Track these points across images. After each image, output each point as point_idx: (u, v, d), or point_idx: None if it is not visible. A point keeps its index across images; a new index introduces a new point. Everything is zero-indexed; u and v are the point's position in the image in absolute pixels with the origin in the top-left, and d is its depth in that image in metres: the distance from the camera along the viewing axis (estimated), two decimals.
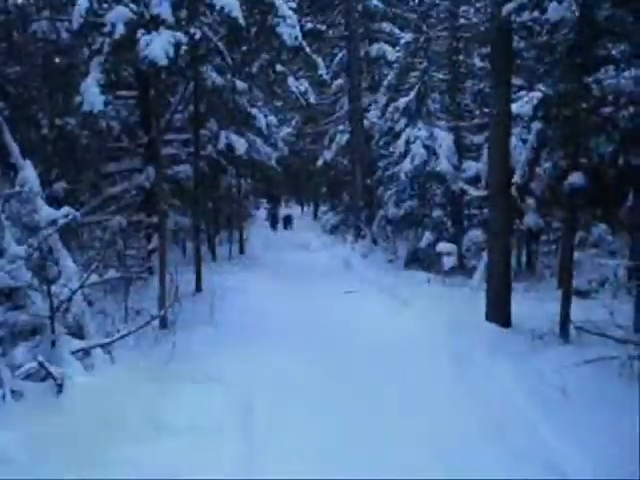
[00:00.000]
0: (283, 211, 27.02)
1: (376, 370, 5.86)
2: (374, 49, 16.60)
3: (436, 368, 5.90)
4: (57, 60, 10.25)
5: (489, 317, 7.24)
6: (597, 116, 7.19)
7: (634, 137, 7.41)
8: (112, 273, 5.91)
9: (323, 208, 27.32)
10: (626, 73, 7.09)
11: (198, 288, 9.36)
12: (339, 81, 18.04)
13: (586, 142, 7.92)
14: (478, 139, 12.60)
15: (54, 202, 6.91)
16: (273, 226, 24.39)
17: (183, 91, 9.95)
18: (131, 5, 6.33)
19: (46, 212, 5.54)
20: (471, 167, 11.88)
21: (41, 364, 4.24)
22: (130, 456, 3.60)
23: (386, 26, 17.00)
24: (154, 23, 6.20)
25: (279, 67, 8.27)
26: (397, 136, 12.99)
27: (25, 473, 3.35)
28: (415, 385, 5.43)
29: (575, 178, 5.80)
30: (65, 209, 5.68)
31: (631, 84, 7.53)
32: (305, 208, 34.15)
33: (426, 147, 11.80)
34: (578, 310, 7.27)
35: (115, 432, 3.97)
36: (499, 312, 7.15)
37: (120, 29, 6.15)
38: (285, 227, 25.17)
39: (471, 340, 6.48)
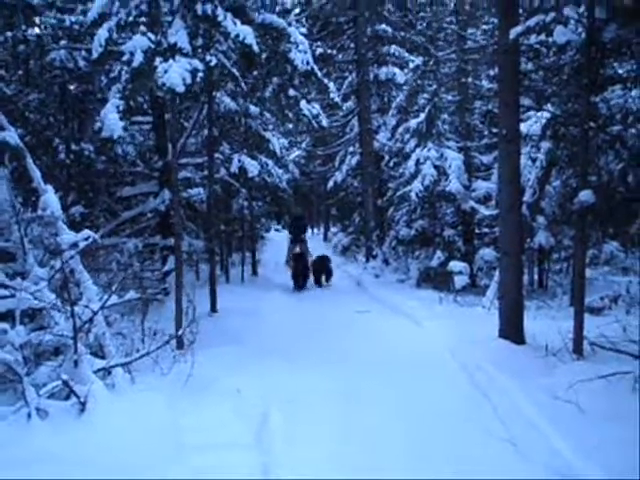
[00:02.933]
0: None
1: (387, 385, 5.90)
2: (383, 72, 16.84)
3: (449, 384, 5.96)
4: (73, 87, 10.57)
5: (502, 334, 7.29)
6: (605, 134, 7.31)
7: None
8: (132, 294, 6.03)
9: (334, 229, 27.48)
10: (633, 92, 7.22)
11: (213, 309, 9.49)
12: (349, 103, 18.28)
13: (595, 160, 8.04)
14: (487, 159, 12.76)
15: (71, 226, 7.08)
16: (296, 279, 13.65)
17: (197, 116, 10.19)
18: (149, 34, 6.54)
19: (67, 235, 5.70)
20: (481, 186, 12.01)
21: (65, 383, 4.35)
22: (155, 470, 3.69)
23: (395, 49, 17.26)
24: (171, 51, 6.40)
25: (291, 91, 8.46)
26: (407, 157, 13.15)
27: None
28: (427, 400, 5.47)
29: (585, 196, 5.88)
30: (85, 232, 5.84)
31: (638, 103, 7.68)
32: (315, 230, 34.34)
33: (436, 167, 11.94)
34: (591, 327, 7.31)
35: (139, 451, 4.06)
36: (512, 329, 7.19)
37: (139, 57, 6.36)
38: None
39: (484, 357, 6.53)
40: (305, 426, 4.82)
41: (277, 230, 30.12)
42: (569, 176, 8.53)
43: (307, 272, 13.60)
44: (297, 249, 13.79)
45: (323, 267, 13.99)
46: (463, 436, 4.71)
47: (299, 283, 13.31)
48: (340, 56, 17.32)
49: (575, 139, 6.99)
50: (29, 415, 4.14)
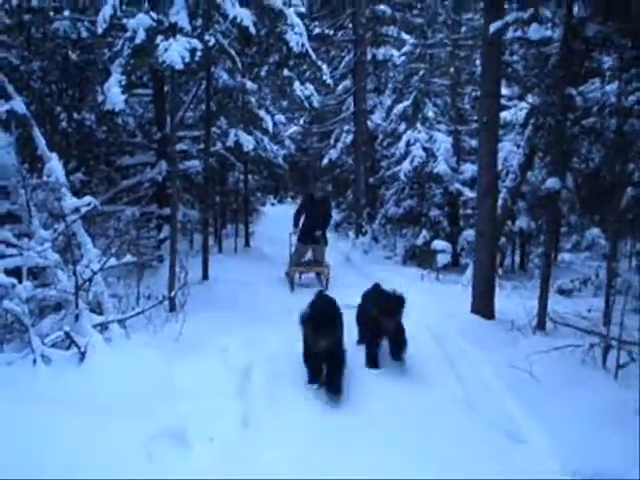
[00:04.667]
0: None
1: (363, 351, 6.39)
2: (380, 52, 17.11)
3: (421, 353, 6.42)
4: (75, 56, 10.86)
5: (474, 310, 7.80)
6: (580, 126, 7.72)
7: (618, 146, 7.95)
8: (128, 258, 6.47)
9: None
10: (607, 87, 7.62)
11: (205, 276, 9.95)
12: (346, 82, 18.55)
13: (570, 150, 8.47)
14: (476, 143, 13.15)
15: (71, 192, 7.49)
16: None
17: (195, 90, 10.54)
18: (151, 13, 6.90)
19: (70, 201, 6.13)
20: (468, 169, 12.43)
21: (67, 334, 4.82)
22: (147, 412, 4.18)
23: (393, 30, 17.51)
24: (172, 30, 6.76)
25: (286, 72, 8.82)
26: (399, 138, 13.55)
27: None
28: (399, 366, 5.95)
29: (552, 183, 6.33)
30: (87, 198, 6.27)
31: (615, 96, 8.08)
32: None
33: (425, 149, 12.36)
34: (559, 306, 7.86)
35: (132, 395, 4.53)
36: (483, 305, 7.70)
37: (141, 35, 6.72)
38: None
39: (455, 329, 7.05)
40: (283, 381, 5.31)
41: (273, 204, 30.46)
42: (546, 164, 8.96)
43: (339, 350, 5.24)
44: (309, 255, 10.43)
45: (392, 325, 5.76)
46: (428, 399, 5.15)
47: (317, 373, 5.24)
48: (339, 34, 17.55)
49: (551, 129, 7.40)
50: (34, 361, 4.61)
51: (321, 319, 5.08)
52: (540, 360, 5.72)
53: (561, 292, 9.37)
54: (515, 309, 7.96)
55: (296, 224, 10.34)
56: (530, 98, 8.50)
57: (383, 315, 5.61)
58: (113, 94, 6.86)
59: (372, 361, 5.72)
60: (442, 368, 5.94)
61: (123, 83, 6.87)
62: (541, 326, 6.99)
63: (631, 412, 4.45)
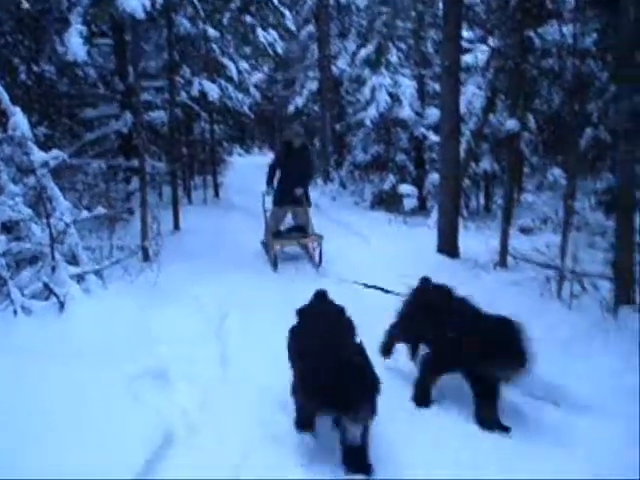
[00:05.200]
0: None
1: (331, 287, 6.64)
2: None
3: (386, 283, 6.71)
4: (28, 6, 10.51)
5: (440, 250, 8.11)
6: (539, 68, 7.93)
7: (576, 88, 8.18)
8: (100, 209, 6.55)
9: None
10: (565, 29, 7.78)
11: (176, 227, 10.05)
12: (309, 28, 18.31)
13: (531, 92, 8.70)
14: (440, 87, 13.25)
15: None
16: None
17: (157, 39, 10.37)
18: None
19: (38, 155, 6.12)
20: (433, 114, 12.56)
21: (46, 285, 4.95)
22: (128, 356, 4.38)
23: None
24: None
25: (248, 18, 8.75)
26: (364, 83, 13.56)
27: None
28: (363, 303, 6.19)
29: (511, 125, 6.54)
30: (55, 152, 6.25)
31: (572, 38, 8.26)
32: None
33: (390, 94, 12.43)
34: (520, 244, 8.24)
35: (112, 340, 4.72)
36: (448, 245, 8.01)
37: None
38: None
39: (420, 268, 7.32)
40: (257, 325, 5.55)
41: (240, 155, 30.25)
42: (508, 106, 9.15)
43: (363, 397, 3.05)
44: (289, 219, 8.66)
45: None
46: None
47: (311, 425, 3.44)
48: None
49: (511, 71, 7.57)
50: (15, 312, 4.75)
51: (327, 358, 3.13)
52: (501, 293, 6.07)
53: (522, 231, 9.75)
54: (479, 248, 8.31)
55: (270, 181, 8.41)
56: (491, 41, 8.62)
57: (488, 354, 3.60)
58: (74, 45, 6.76)
59: (425, 396, 3.97)
60: None
61: (84, 34, 6.77)
62: (502, 262, 7.33)
63: (581, 337, 4.80)
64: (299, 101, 19.60)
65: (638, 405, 3.69)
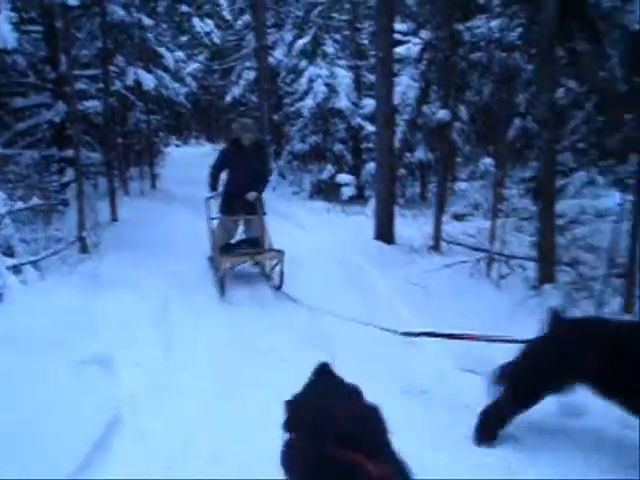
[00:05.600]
0: None
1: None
2: None
3: (326, 275, 6.93)
4: None
5: (377, 236, 8.38)
6: (469, 61, 8.26)
7: (504, 79, 8.58)
8: (35, 200, 6.44)
9: None
10: (493, 23, 8.14)
11: (114, 218, 9.93)
12: (246, 17, 18.24)
13: (462, 83, 9.04)
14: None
15: None
16: None
17: (90, 27, 10.15)
18: None
19: None
20: (369, 104, 12.83)
21: None
22: (71, 342, 4.39)
23: None
24: None
25: (184, 7, 8.71)
26: (301, 74, 13.69)
27: None
28: (304, 289, 6.37)
29: (442, 115, 6.84)
30: None
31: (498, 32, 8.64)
32: (216, 146, 34.20)
33: (327, 85, 12.62)
34: (453, 229, 8.62)
35: (55, 329, 4.70)
36: (385, 231, 8.29)
37: None
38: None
39: (358, 254, 7.60)
40: (200, 311, 5.65)
41: (177, 146, 29.81)
42: (441, 97, 9.50)
43: None
44: (240, 230, 7.27)
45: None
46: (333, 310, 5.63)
47: None
48: None
49: (442, 63, 7.88)
50: None
51: None
52: (434, 276, 6.39)
53: (455, 217, 10.15)
54: (414, 234, 8.63)
55: (214, 185, 7.07)
56: (423, 34, 8.91)
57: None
58: (3, 31, 6.58)
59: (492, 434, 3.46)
60: (346, 288, 6.46)
61: (14, 21, 6.61)
62: (436, 247, 7.66)
63: (505, 315, 5.13)
64: (236, 91, 19.51)
65: None
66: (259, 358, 4.61)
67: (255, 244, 6.89)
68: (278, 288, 6.36)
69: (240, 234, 7.26)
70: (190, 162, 24.65)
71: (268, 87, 16.62)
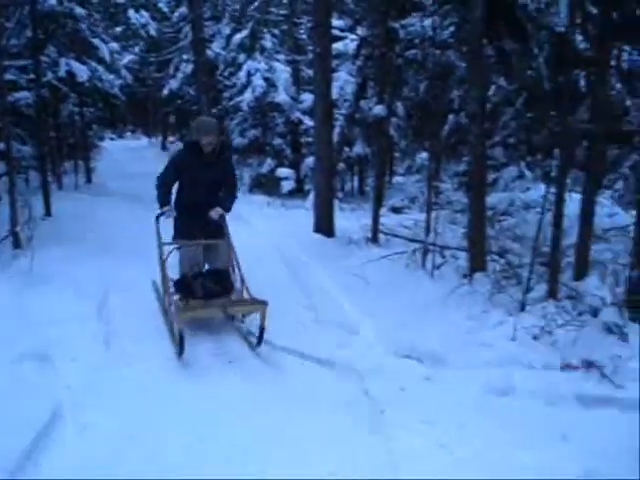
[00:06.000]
0: None
1: None
2: None
3: (270, 268, 6.99)
4: None
5: (316, 229, 8.51)
6: (404, 58, 8.48)
7: (438, 76, 8.86)
8: None
9: (172, 138, 27.22)
10: (426, 21, 8.39)
11: (48, 213, 9.67)
12: (182, 9, 17.99)
13: (399, 80, 9.26)
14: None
15: None
16: None
17: (19, 15, 9.82)
18: None
19: None
20: (307, 99, 12.97)
21: None
22: (7, 338, 4.31)
23: None
24: None
25: None
26: (239, 68, 13.67)
27: None
28: (254, 272, 6.39)
29: (378, 110, 7.02)
30: None
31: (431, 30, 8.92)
32: (153, 139, 33.57)
33: (266, 79, 12.65)
34: (391, 221, 8.86)
35: None
36: (324, 224, 8.44)
37: None
38: None
39: (299, 247, 7.72)
40: (138, 306, 5.60)
41: (112, 139, 29.08)
42: (377, 92, 9.71)
43: None
44: (199, 259, 5.52)
45: None
46: (278, 304, 5.70)
47: None
48: None
49: (378, 59, 8.07)
50: None
51: None
52: (372, 267, 6.58)
53: (393, 210, 10.42)
54: (353, 227, 8.84)
55: (165, 199, 5.37)
56: (360, 30, 9.08)
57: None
58: None
59: None
60: (287, 279, 6.57)
61: None
62: (374, 239, 7.87)
63: (438, 303, 5.37)
64: (174, 84, 19.22)
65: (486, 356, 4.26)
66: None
67: (221, 279, 5.14)
68: (257, 344, 4.74)
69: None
70: (127, 156, 24.26)
71: (206, 80, 16.46)
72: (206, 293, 4.96)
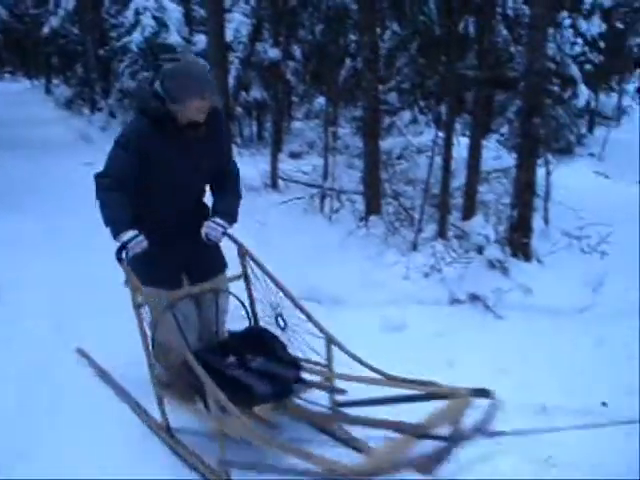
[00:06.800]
0: None
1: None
2: None
3: None
4: None
5: None
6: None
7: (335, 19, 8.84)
8: None
9: (56, 81, 25.45)
10: None
11: None
12: None
13: (295, 22, 9.17)
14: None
15: None
16: None
17: None
18: None
19: None
20: (201, 40, 12.48)
21: None
22: None
23: None
24: None
25: None
26: (126, 5, 12.89)
27: None
28: None
29: (274, 53, 6.93)
30: None
31: None
32: (36, 82, 31.21)
33: (156, 18, 12.03)
34: (290, 167, 8.88)
35: None
36: None
37: None
38: None
39: None
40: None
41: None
42: (272, 34, 9.55)
43: None
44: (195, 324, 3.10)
45: None
46: None
47: None
48: None
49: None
50: None
51: None
52: (272, 212, 6.62)
53: (292, 155, 10.41)
54: (252, 173, 8.76)
55: (123, 215, 2.83)
56: None
57: None
58: None
59: None
60: None
61: None
62: (273, 185, 7.89)
63: (336, 246, 5.52)
64: (54, 22, 17.84)
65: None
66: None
67: (276, 349, 2.98)
68: None
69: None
70: (8, 100, 22.39)
71: (91, 18, 15.45)
72: (277, 390, 2.69)
